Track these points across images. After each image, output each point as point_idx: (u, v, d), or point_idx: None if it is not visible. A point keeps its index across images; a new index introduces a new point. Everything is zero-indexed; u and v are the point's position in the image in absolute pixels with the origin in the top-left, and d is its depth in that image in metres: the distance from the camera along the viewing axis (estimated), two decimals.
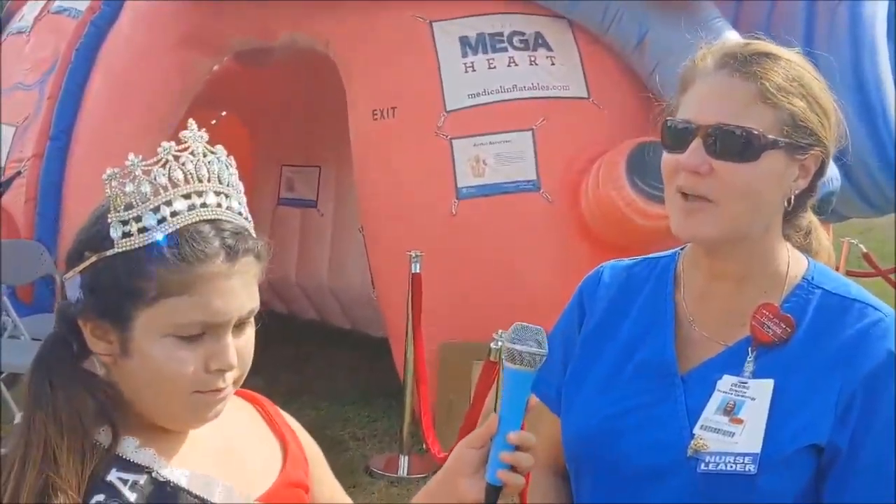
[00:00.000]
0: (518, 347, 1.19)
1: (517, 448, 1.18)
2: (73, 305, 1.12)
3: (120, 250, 1.09)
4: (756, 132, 1.21)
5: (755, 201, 1.24)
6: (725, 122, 1.22)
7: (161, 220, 1.09)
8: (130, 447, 1.13)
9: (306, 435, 1.36)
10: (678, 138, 1.25)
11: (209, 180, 1.12)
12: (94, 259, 1.10)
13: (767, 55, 1.25)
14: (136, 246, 1.09)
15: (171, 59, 5.46)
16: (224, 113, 7.67)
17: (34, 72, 6.05)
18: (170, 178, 1.09)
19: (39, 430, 1.07)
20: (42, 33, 6.25)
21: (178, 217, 1.09)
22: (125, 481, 1.09)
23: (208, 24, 5.41)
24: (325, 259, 6.89)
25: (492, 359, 3.26)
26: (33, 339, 5.05)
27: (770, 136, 1.21)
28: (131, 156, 1.09)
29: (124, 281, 1.09)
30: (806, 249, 1.35)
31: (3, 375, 4.88)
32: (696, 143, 1.23)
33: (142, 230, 1.09)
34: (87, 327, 1.12)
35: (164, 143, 1.11)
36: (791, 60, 1.26)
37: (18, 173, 5.72)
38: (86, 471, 1.07)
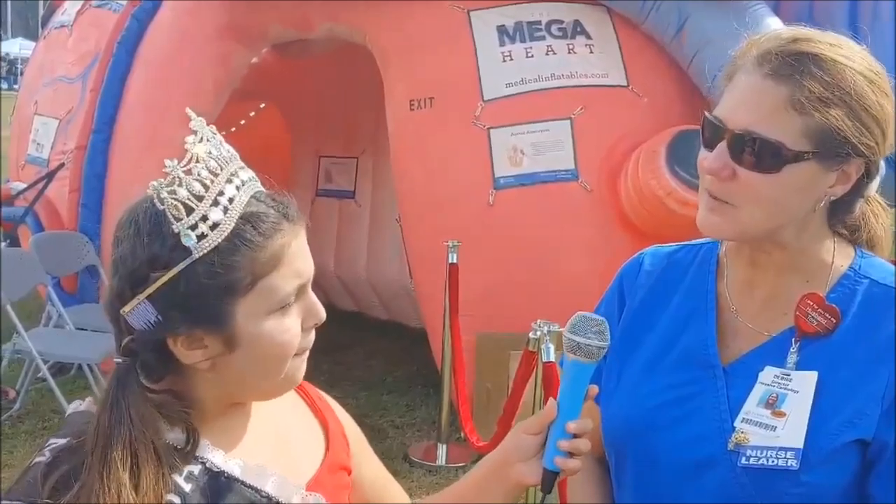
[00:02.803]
0: (579, 339, 1.19)
1: (575, 436, 1.20)
2: (154, 330, 1.08)
3: (199, 255, 1.06)
4: (779, 145, 1.16)
5: (776, 209, 1.21)
6: (752, 129, 1.18)
7: (226, 210, 1.08)
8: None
9: (346, 414, 1.37)
10: (710, 136, 1.23)
11: (230, 160, 1.12)
12: (169, 275, 1.06)
13: (810, 56, 1.18)
14: (215, 244, 1.07)
15: (212, 51, 5.52)
16: (263, 105, 7.73)
17: (77, 65, 6.14)
18: (209, 170, 1.09)
19: (113, 474, 1.04)
20: (84, 27, 6.33)
21: (235, 202, 1.09)
22: (180, 472, 1.09)
23: (248, 15, 5.45)
24: (363, 250, 6.92)
25: (530, 349, 3.26)
26: (78, 329, 5.14)
27: (794, 149, 1.17)
28: (168, 161, 1.07)
29: (213, 282, 1.07)
30: (857, 243, 1.31)
31: (49, 364, 4.98)
32: (722, 147, 1.21)
33: (214, 227, 1.07)
34: (178, 343, 1.10)
35: (188, 138, 1.10)
36: (838, 61, 1.18)
37: (62, 165, 5.81)
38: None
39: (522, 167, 4.72)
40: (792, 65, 1.18)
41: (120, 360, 1.10)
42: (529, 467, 1.24)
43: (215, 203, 1.08)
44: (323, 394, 1.37)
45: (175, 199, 1.06)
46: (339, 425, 1.33)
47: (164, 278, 1.06)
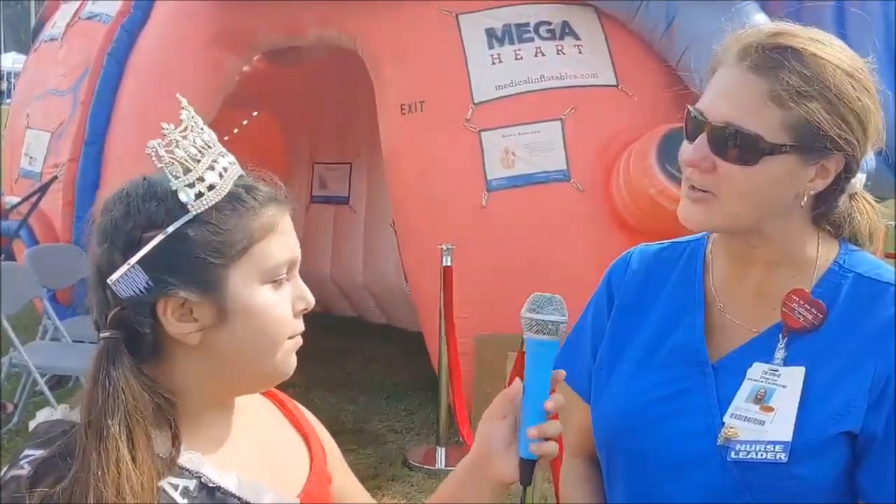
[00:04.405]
0: (538, 317, 1.19)
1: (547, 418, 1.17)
2: (144, 296, 1.05)
3: (196, 212, 1.06)
4: (758, 137, 1.17)
5: (756, 201, 1.22)
6: (731, 121, 1.19)
7: (221, 176, 1.08)
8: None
9: (319, 424, 1.34)
10: (692, 128, 1.24)
11: (217, 142, 1.13)
12: (165, 233, 1.05)
13: (791, 50, 1.19)
14: (211, 203, 1.06)
15: (203, 60, 5.52)
16: (256, 113, 7.74)
17: (68, 78, 6.14)
18: (203, 140, 1.10)
19: (111, 451, 1.01)
20: (74, 39, 6.34)
21: (229, 171, 1.10)
22: (176, 486, 1.06)
23: (238, 23, 5.46)
24: (359, 255, 6.93)
25: (523, 349, 3.27)
26: (74, 342, 5.14)
27: (772, 142, 1.18)
28: (165, 124, 1.07)
29: (208, 242, 1.06)
30: (840, 237, 1.31)
31: (47, 377, 4.97)
32: (702, 139, 1.22)
33: (210, 187, 1.07)
34: (169, 310, 1.06)
35: (184, 113, 1.10)
36: (819, 57, 1.18)
37: (55, 178, 5.81)
38: (156, 487, 1.03)
39: (514, 169, 4.73)
40: (772, 58, 1.19)
41: (107, 335, 1.07)
42: (506, 461, 1.18)
43: (211, 167, 1.08)
44: (297, 403, 1.33)
45: (173, 158, 1.06)
46: (315, 434, 1.30)
47: (160, 237, 1.05)
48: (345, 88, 6.69)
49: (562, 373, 1.21)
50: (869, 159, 1.27)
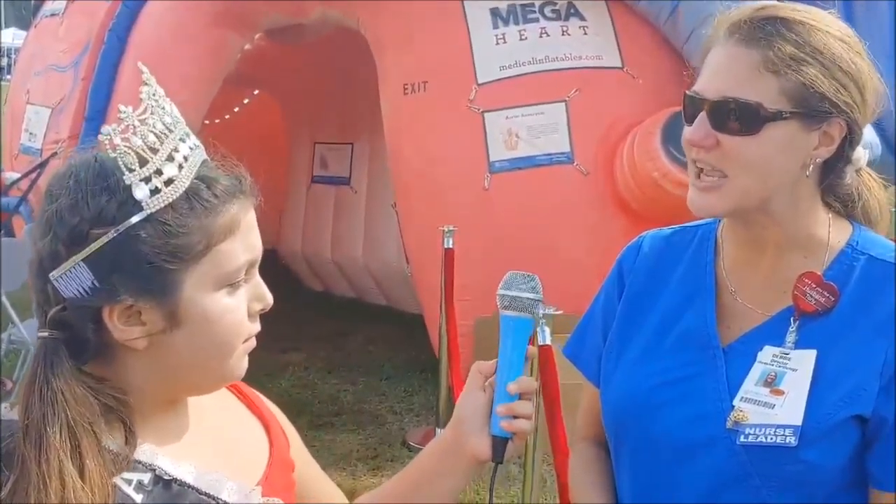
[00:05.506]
0: (511, 293, 1.19)
1: (520, 396, 1.17)
2: (89, 298, 0.97)
3: (151, 211, 0.96)
4: (758, 105, 1.17)
5: (763, 173, 1.21)
6: (728, 94, 1.19)
7: (180, 167, 0.98)
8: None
9: (280, 412, 1.27)
10: (690, 110, 1.24)
11: (180, 121, 1.03)
12: (112, 234, 0.96)
13: (779, 20, 1.20)
14: (169, 201, 0.97)
15: (204, 38, 5.48)
16: (257, 91, 7.70)
17: (68, 53, 6.10)
18: (164, 124, 1.00)
19: (53, 462, 0.94)
20: (75, 15, 6.30)
21: (189, 161, 1.00)
22: (129, 481, 0.99)
23: (240, 2, 5.42)
24: (360, 236, 6.92)
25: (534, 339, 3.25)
26: None
27: (772, 108, 1.18)
28: (122, 107, 0.98)
29: (163, 243, 0.97)
30: (853, 217, 1.30)
31: None
32: (702, 117, 1.21)
33: (168, 182, 0.97)
34: (114, 315, 0.98)
35: (144, 89, 1.00)
36: (808, 24, 1.20)
37: (55, 154, 5.78)
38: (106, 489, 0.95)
39: (518, 151, 4.71)
40: (761, 29, 1.19)
41: (46, 334, 0.99)
42: (480, 439, 1.16)
43: (170, 158, 0.98)
44: (253, 390, 1.25)
45: (129, 148, 0.96)
46: (276, 421, 1.23)
47: (109, 236, 0.96)
48: (347, 67, 6.65)
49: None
50: (875, 145, 1.26)
